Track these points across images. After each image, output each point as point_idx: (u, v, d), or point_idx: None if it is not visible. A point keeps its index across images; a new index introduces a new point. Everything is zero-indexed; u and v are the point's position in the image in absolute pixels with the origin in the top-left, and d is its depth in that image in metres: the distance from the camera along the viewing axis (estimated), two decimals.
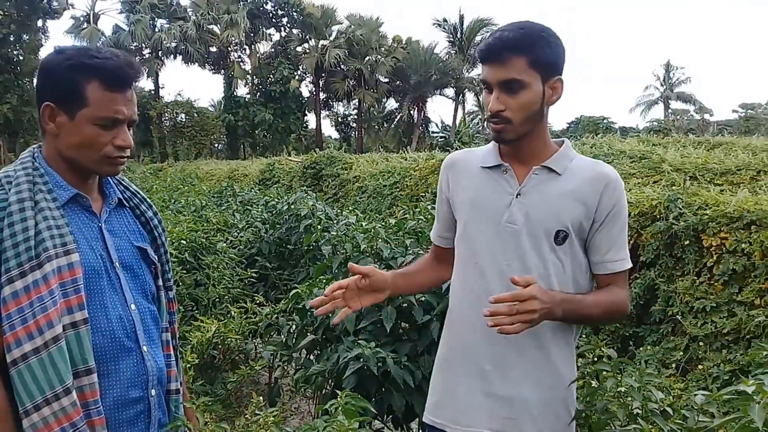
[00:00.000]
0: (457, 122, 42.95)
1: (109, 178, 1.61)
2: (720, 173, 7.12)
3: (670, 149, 9.02)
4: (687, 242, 4.70)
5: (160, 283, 1.65)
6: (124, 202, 1.63)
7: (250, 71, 41.20)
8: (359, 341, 2.99)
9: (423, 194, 7.57)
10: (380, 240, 3.39)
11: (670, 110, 46.65)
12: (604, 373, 2.31)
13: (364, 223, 3.63)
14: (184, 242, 4.17)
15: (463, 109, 44.15)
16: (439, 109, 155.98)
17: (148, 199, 1.72)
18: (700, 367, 4.21)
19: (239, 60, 41.41)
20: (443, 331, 1.96)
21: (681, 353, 4.48)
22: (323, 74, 41.11)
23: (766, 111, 42.34)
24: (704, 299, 4.48)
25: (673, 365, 4.39)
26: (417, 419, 3.29)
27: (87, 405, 1.39)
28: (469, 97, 43.45)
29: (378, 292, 1.89)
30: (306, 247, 4.34)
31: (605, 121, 38.32)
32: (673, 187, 5.30)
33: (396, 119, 44.67)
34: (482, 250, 1.74)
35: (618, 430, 2.00)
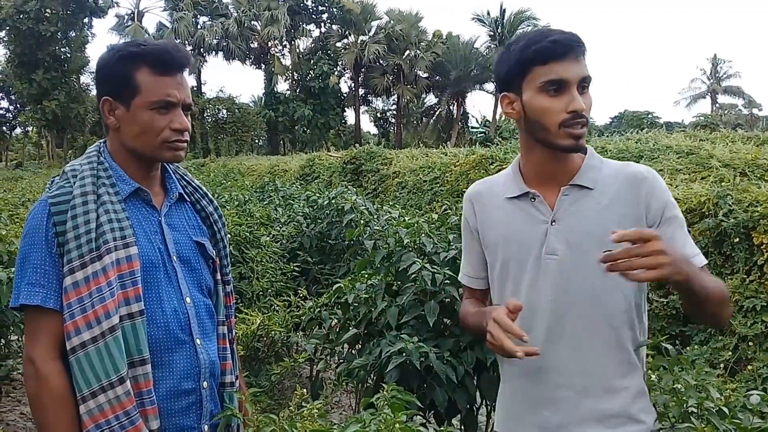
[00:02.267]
0: (497, 117, 42.63)
1: (171, 172, 1.65)
2: None
3: (718, 144, 8.78)
4: (737, 240, 4.58)
5: (218, 277, 1.68)
6: (186, 196, 1.66)
7: (290, 67, 41.52)
8: (402, 335, 2.99)
9: (464, 189, 7.54)
10: (423, 235, 3.39)
11: (717, 104, 45.42)
12: (661, 368, 2.28)
13: (407, 218, 3.62)
14: (229, 236, 4.22)
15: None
16: (479, 104, 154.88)
17: (209, 194, 1.75)
18: (749, 367, 4.11)
19: (280, 56, 41.78)
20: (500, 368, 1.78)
21: (729, 353, 4.38)
22: (362, 70, 41.18)
23: None
24: (754, 298, 4.37)
25: (722, 365, 4.29)
26: (459, 415, 3.29)
27: (141, 394, 1.43)
28: None
29: None
30: (348, 242, 4.36)
31: (650, 115, 37.54)
32: (722, 184, 5.16)
33: (435, 115, 44.49)
34: (526, 288, 1.59)
35: (670, 427, 1.97)
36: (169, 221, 1.59)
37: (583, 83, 1.50)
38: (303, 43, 42.79)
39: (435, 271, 3.15)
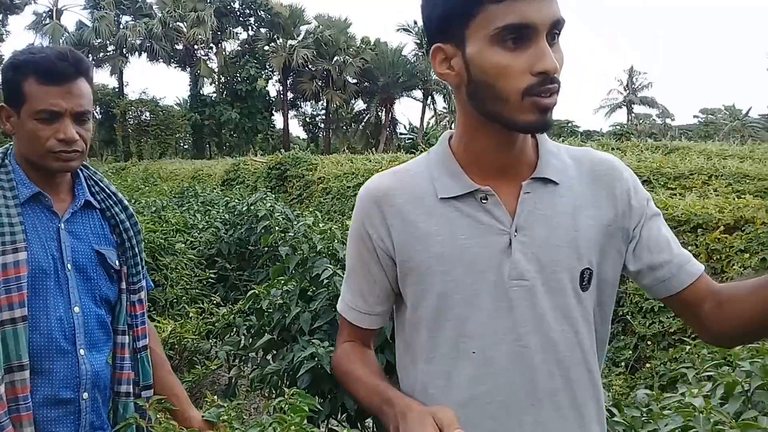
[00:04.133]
0: (425, 124, 43.23)
1: (83, 178, 1.63)
2: (674, 177, 7.34)
3: (627, 153, 9.24)
4: None
5: (123, 286, 1.65)
6: (95, 203, 1.64)
7: (216, 70, 40.84)
8: (313, 340, 3.04)
9: None
10: (336, 241, 3.45)
11: (633, 114, 47.58)
12: None
13: (321, 225, 3.68)
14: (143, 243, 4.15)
15: (434, 110, 44.43)
16: (407, 110, 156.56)
17: (125, 201, 1.72)
18: (648, 365, 4.35)
19: (206, 58, 41.04)
20: None
21: (630, 352, 4.63)
22: (291, 74, 40.97)
23: (725, 116, 43.45)
24: (653, 300, 4.64)
25: (623, 363, 4.53)
26: (369, 417, 3.36)
27: (17, 400, 1.43)
28: (438, 99, 43.72)
29: None
30: (265, 248, 4.38)
31: (570, 124, 38.96)
32: None
33: (364, 120, 44.71)
34: (479, 330, 1.11)
35: None
36: (70, 228, 1.57)
37: (555, 30, 1.04)
38: (230, 46, 42.22)
39: None
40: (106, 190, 1.68)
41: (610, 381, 4.02)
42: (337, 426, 3.31)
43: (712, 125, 41.27)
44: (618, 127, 35.09)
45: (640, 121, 44.81)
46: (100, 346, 1.59)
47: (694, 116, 47.54)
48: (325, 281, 3.24)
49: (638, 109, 47.93)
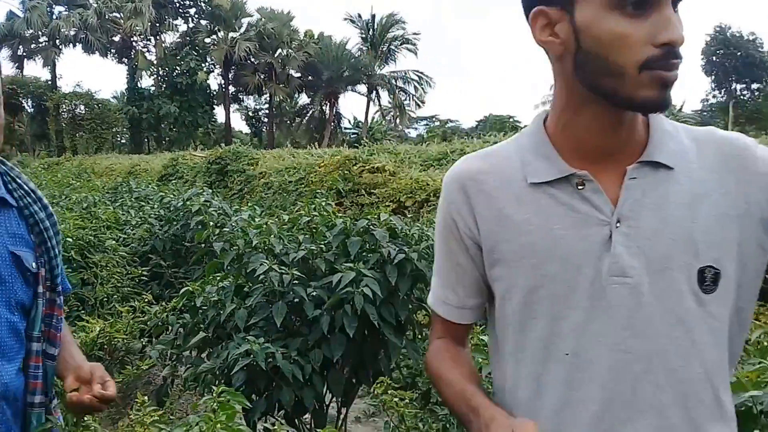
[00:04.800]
0: (369, 119, 43.24)
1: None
2: None
3: None
4: None
5: (40, 289, 1.55)
6: (12, 201, 1.54)
7: (155, 62, 39.82)
8: (248, 337, 2.99)
9: (328, 191, 7.60)
10: (272, 236, 3.40)
11: None
12: (480, 360, 2.43)
13: (257, 219, 3.62)
14: (71, 240, 4.02)
15: (379, 105, 44.46)
16: (352, 105, 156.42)
17: (44, 199, 1.62)
18: None
19: (144, 50, 39.97)
20: None
21: None
22: (233, 67, 40.33)
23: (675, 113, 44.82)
24: None
25: None
26: (308, 413, 3.33)
27: None
28: (383, 94, 43.79)
29: None
30: (202, 244, 4.29)
31: (512, 119, 39.65)
32: None
33: (308, 115, 44.41)
34: (573, 331, 0.99)
35: None
36: None
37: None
38: (169, 38, 41.25)
39: (283, 271, 3.17)
40: (24, 186, 1.58)
41: None
42: (275, 424, 3.27)
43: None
44: None
45: None
46: (11, 355, 1.48)
47: None
48: (261, 277, 3.20)
49: None
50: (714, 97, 42.48)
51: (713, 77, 41.04)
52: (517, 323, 1.05)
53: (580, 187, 0.99)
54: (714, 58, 39.80)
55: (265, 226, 3.42)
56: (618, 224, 0.97)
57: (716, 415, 0.98)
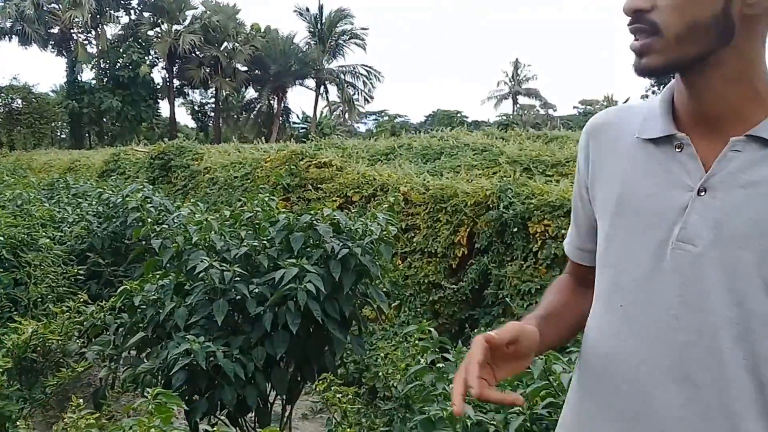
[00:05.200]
0: (318, 114, 42.94)
1: None
2: (551, 165, 7.68)
3: (510, 142, 9.57)
4: (516, 229, 5.03)
5: None
6: None
7: (96, 55, 38.60)
8: (188, 336, 2.93)
9: (272, 186, 7.50)
10: (213, 232, 3.33)
11: (518, 105, 49.46)
12: (429, 350, 2.45)
13: (197, 215, 3.54)
14: (2, 238, 3.85)
15: (327, 100, 44.18)
16: (301, 100, 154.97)
17: None
18: None
19: (84, 42, 38.68)
20: (570, 393, 1.19)
21: None
22: (177, 60, 39.42)
23: (604, 107, 45.96)
24: (530, 282, 4.83)
25: None
26: (251, 412, 3.29)
27: None
28: (331, 89, 43.54)
29: (523, 360, 1.04)
30: (142, 242, 4.17)
31: (459, 114, 40.00)
32: (504, 178, 5.65)
33: (255, 109, 43.78)
34: (631, 285, 1.02)
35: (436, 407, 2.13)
36: None
37: None
38: (111, 30, 39.99)
39: (224, 268, 3.11)
40: None
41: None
42: (217, 422, 3.21)
43: (591, 115, 43.54)
44: (504, 118, 36.38)
45: (525, 112, 46.71)
46: None
47: (575, 107, 50.10)
48: (202, 274, 3.13)
49: (523, 100, 49.87)
50: None
51: None
52: (598, 270, 1.10)
53: (678, 150, 1.00)
54: None
55: (205, 222, 3.34)
56: (702, 193, 0.96)
57: (757, 408, 0.93)
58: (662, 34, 0.93)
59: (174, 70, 40.21)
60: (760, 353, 0.92)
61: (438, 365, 2.34)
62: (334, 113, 45.29)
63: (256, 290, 3.16)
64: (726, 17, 0.91)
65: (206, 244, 3.34)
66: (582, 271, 1.22)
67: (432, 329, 2.57)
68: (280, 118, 41.55)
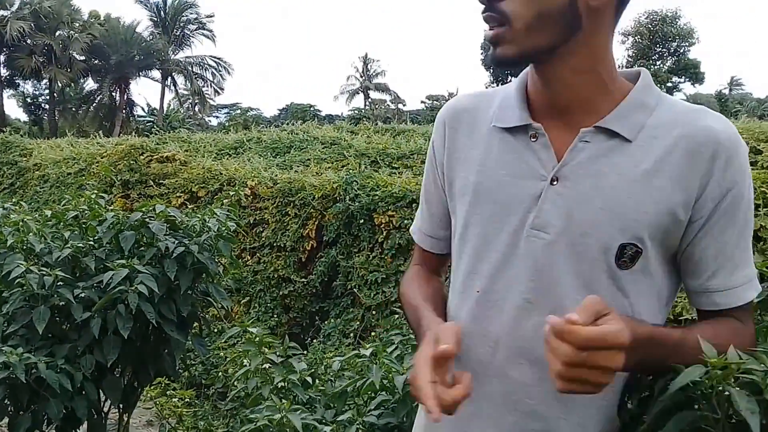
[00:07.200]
0: (165, 106, 41.07)
1: None
2: (397, 157, 7.88)
3: (358, 136, 9.71)
4: (362, 221, 5.11)
5: None
6: None
7: None
8: (5, 348, 2.69)
9: (102, 182, 7.06)
10: (31, 234, 3.08)
11: (369, 99, 50.30)
12: (251, 351, 2.41)
13: (13, 216, 3.25)
14: None
15: (176, 92, 42.35)
16: (147, 92, 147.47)
17: None
18: (373, 333, 4.62)
19: None
20: None
21: (358, 323, 4.87)
22: (5, 49, 36.05)
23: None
24: (377, 272, 4.93)
25: (351, 334, 4.76)
26: (83, 425, 3.09)
27: None
28: (179, 80, 41.77)
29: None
30: None
31: (312, 108, 39.96)
32: (351, 171, 5.71)
33: (96, 101, 41.06)
34: (488, 271, 1.05)
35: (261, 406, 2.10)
36: None
37: None
38: None
39: (44, 273, 2.88)
40: None
41: (341, 352, 4.19)
42: None
43: (436, 110, 45.22)
44: (356, 112, 36.85)
45: (376, 106, 47.60)
46: None
47: (422, 102, 51.79)
48: (19, 280, 2.88)
49: (374, 94, 50.85)
50: None
51: None
52: (455, 257, 1.13)
53: (533, 140, 1.02)
54: None
55: (21, 223, 3.07)
56: (555, 182, 0.99)
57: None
58: (512, 24, 0.95)
59: (2, 59, 36.75)
60: None
61: (264, 366, 2.32)
62: (184, 105, 43.55)
63: (83, 294, 2.95)
64: (573, 8, 0.94)
65: (23, 247, 3.07)
66: (433, 260, 1.24)
67: (253, 329, 2.53)
68: (124, 111, 39.31)
